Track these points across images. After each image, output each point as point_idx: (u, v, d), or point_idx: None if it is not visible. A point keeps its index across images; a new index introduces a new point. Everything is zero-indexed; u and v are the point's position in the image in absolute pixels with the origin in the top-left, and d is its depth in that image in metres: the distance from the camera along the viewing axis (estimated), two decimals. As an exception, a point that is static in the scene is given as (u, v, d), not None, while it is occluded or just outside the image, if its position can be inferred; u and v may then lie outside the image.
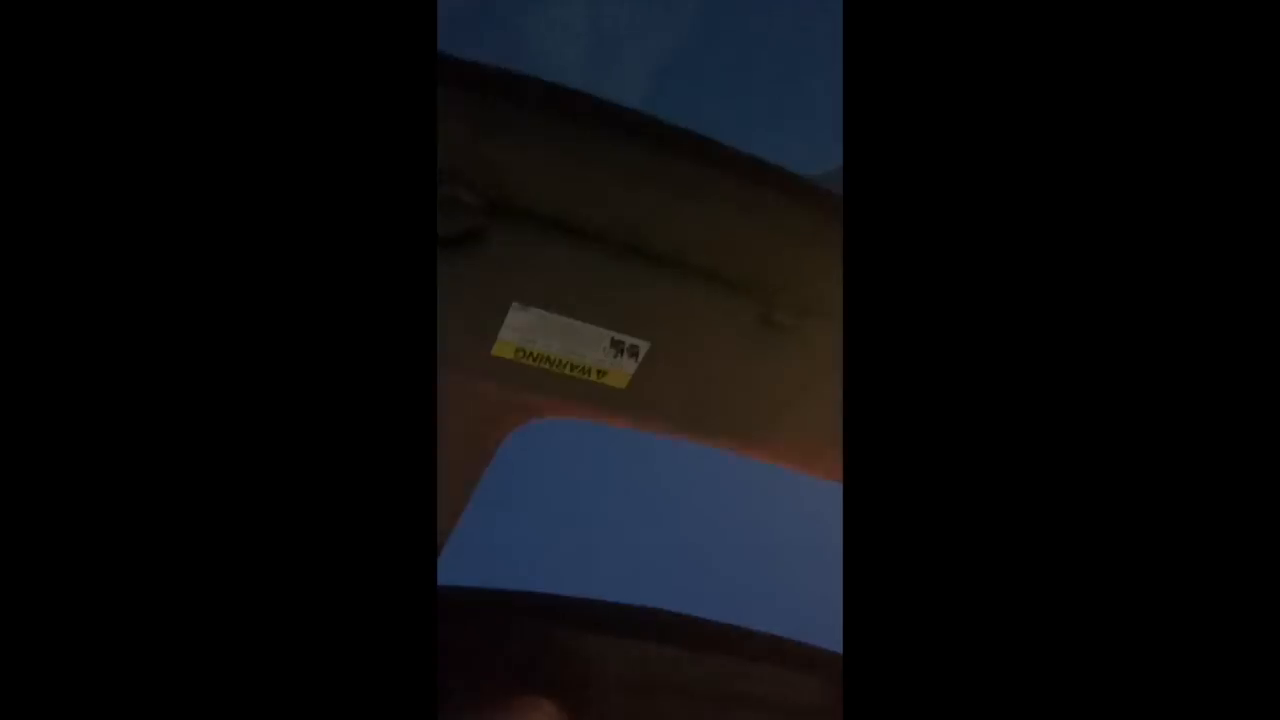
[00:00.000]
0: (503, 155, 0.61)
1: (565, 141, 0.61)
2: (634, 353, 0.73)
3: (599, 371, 0.74)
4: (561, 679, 0.91)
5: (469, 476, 0.81)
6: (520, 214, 0.64)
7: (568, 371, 0.73)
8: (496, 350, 0.71)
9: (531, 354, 0.72)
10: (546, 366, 0.73)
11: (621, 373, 0.74)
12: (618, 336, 0.72)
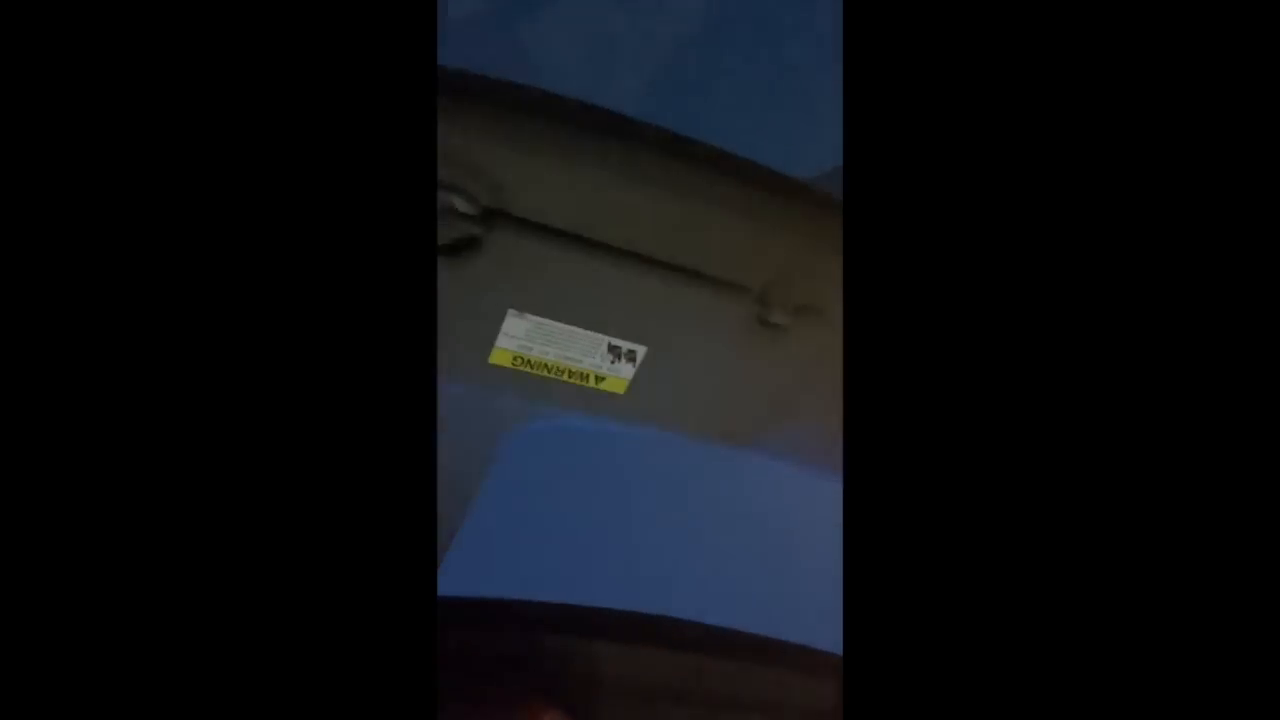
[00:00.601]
0: (499, 163, 0.61)
1: (561, 148, 0.61)
2: (631, 357, 0.73)
3: (597, 377, 0.74)
4: (565, 685, 0.91)
5: (468, 485, 0.81)
6: (516, 221, 0.64)
7: (566, 378, 0.73)
8: (494, 358, 0.71)
9: (529, 361, 0.72)
10: (545, 373, 0.73)
11: (619, 378, 0.74)
12: (615, 342, 0.72)
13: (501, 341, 0.70)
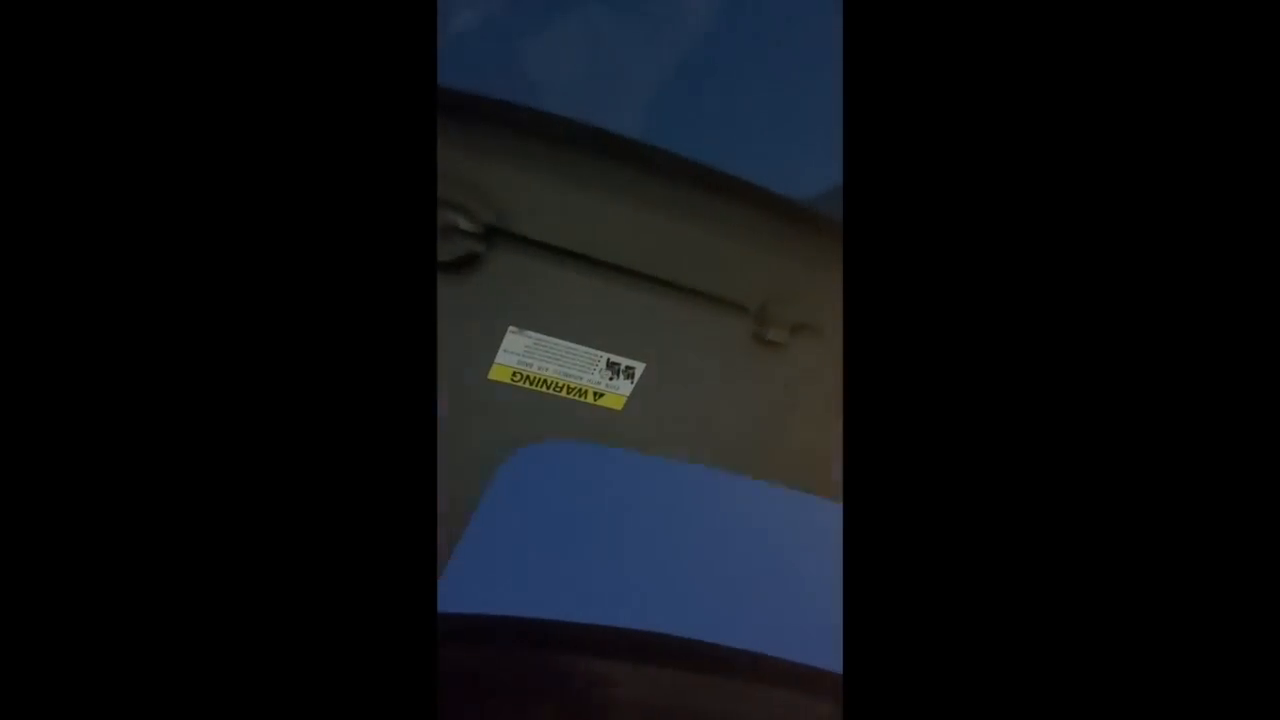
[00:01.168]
0: (500, 181, 0.61)
1: (561, 167, 0.62)
2: (630, 374, 0.73)
3: (596, 393, 0.74)
4: (562, 702, 0.90)
5: (467, 501, 0.81)
6: (517, 239, 0.64)
7: (565, 394, 0.73)
8: (493, 374, 0.71)
9: (528, 377, 0.72)
10: (543, 389, 0.73)
11: (618, 394, 0.74)
12: (614, 358, 0.72)
13: (501, 358, 0.70)
